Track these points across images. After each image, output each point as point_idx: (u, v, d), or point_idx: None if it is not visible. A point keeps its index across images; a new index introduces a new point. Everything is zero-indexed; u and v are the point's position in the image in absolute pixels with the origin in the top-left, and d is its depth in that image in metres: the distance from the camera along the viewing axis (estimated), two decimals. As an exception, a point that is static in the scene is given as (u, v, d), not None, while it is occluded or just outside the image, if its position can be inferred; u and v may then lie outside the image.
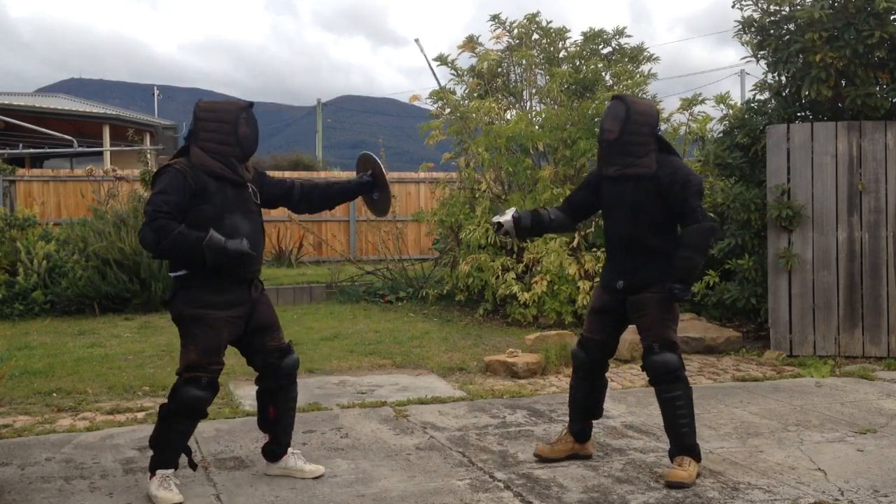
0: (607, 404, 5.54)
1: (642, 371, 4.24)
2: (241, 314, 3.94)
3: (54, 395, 5.91)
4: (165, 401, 3.91)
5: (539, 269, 8.95)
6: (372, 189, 4.40)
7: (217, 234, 3.75)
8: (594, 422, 4.47)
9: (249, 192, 4.02)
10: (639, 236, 4.12)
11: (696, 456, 4.10)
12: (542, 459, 4.33)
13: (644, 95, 10.33)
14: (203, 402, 3.84)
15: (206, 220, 3.79)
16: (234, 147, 3.91)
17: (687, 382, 4.17)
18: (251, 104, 4.03)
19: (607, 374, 4.48)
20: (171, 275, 3.93)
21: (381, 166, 4.39)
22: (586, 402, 4.37)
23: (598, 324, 4.31)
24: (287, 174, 16.82)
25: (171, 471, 3.85)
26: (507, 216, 4.39)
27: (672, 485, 3.96)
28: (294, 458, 4.18)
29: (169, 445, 3.85)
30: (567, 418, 4.48)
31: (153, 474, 3.84)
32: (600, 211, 4.47)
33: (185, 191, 3.79)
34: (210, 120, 3.91)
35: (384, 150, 13.30)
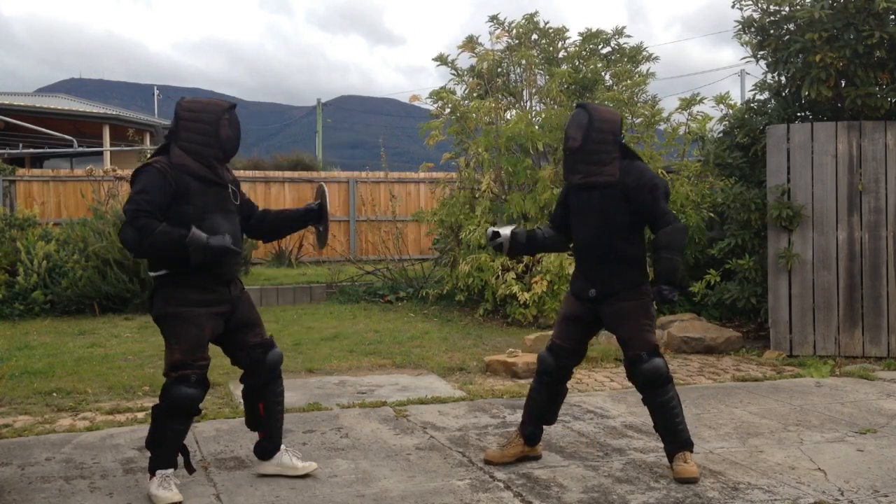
0: (607, 404, 5.56)
1: (630, 380, 4.23)
2: (221, 311, 3.92)
3: (54, 395, 5.91)
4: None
5: (539, 268, 8.95)
6: (317, 219, 4.36)
7: (199, 230, 3.74)
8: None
9: (229, 192, 4.00)
10: (608, 243, 4.15)
11: (692, 447, 4.17)
12: (491, 464, 4.32)
13: (643, 95, 10.36)
14: (194, 399, 3.83)
15: (187, 220, 3.77)
16: (216, 149, 3.88)
17: (673, 380, 4.21)
18: (234, 105, 3.99)
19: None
20: (151, 274, 3.92)
21: (327, 198, 4.36)
22: (545, 408, 4.37)
23: (569, 331, 4.31)
24: (287, 174, 16.85)
25: (170, 470, 3.85)
26: (506, 230, 4.42)
27: (686, 480, 4.00)
28: (287, 455, 4.17)
29: (165, 445, 3.84)
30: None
31: (153, 475, 3.84)
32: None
33: (165, 190, 3.77)
34: (192, 120, 3.86)
35: (384, 150, 13.33)
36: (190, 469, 3.98)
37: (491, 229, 4.49)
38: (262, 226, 4.30)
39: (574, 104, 9.48)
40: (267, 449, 4.17)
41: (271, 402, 4.13)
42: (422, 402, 5.72)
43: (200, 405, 3.94)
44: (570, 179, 4.24)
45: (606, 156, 4.11)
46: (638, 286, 4.16)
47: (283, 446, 4.19)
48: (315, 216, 4.36)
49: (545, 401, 4.36)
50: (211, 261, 3.77)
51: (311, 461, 4.25)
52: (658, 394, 4.12)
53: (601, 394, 5.94)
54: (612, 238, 4.13)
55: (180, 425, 3.86)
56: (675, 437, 4.14)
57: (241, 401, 4.23)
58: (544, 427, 4.43)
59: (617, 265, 4.15)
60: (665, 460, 4.26)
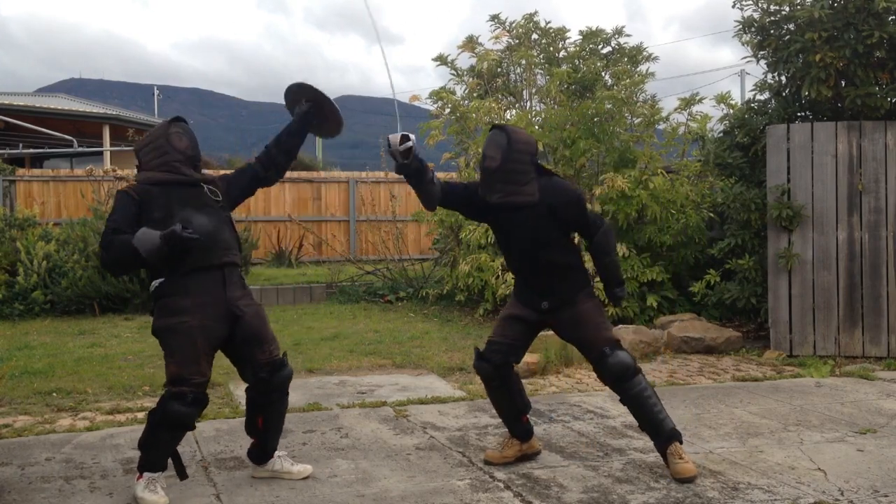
0: (607, 404, 5.56)
1: (601, 379, 4.24)
2: (216, 316, 3.84)
3: (54, 395, 5.91)
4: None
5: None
6: (316, 115, 4.25)
7: (147, 228, 3.74)
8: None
9: (202, 189, 4.00)
10: (548, 257, 4.21)
11: (680, 437, 4.18)
12: (491, 464, 4.32)
13: (643, 95, 10.35)
14: (189, 417, 3.80)
15: (156, 222, 3.79)
16: (173, 153, 3.94)
17: (641, 371, 4.24)
18: (179, 118, 4.08)
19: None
20: (152, 286, 3.92)
21: (312, 85, 4.22)
22: (511, 405, 4.38)
23: (512, 329, 4.31)
24: (287, 174, 16.83)
25: (158, 473, 3.82)
26: (410, 141, 4.03)
27: (684, 480, 4.01)
28: (281, 461, 4.17)
29: (157, 450, 3.82)
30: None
31: (140, 475, 3.82)
32: (484, 227, 4.43)
33: (128, 204, 3.83)
34: (145, 146, 4.00)
35: (384, 150, 13.33)
36: (182, 475, 3.91)
37: (404, 133, 4.06)
38: (276, 164, 4.22)
39: (576, 104, 9.53)
40: (260, 456, 4.17)
41: (272, 417, 4.12)
42: (422, 402, 5.72)
43: (196, 420, 3.91)
44: (489, 198, 4.25)
45: (524, 176, 4.17)
46: (585, 288, 4.26)
47: (276, 453, 4.18)
48: (313, 115, 4.26)
49: (507, 400, 4.38)
50: (169, 251, 3.71)
51: (306, 464, 4.23)
52: (629, 386, 4.14)
53: (601, 394, 5.94)
54: (549, 252, 4.21)
55: (171, 437, 3.84)
56: (660, 430, 4.14)
57: (242, 401, 4.22)
58: (526, 416, 4.42)
59: (560, 274, 4.22)
60: (665, 460, 4.26)
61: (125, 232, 3.75)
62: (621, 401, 4.23)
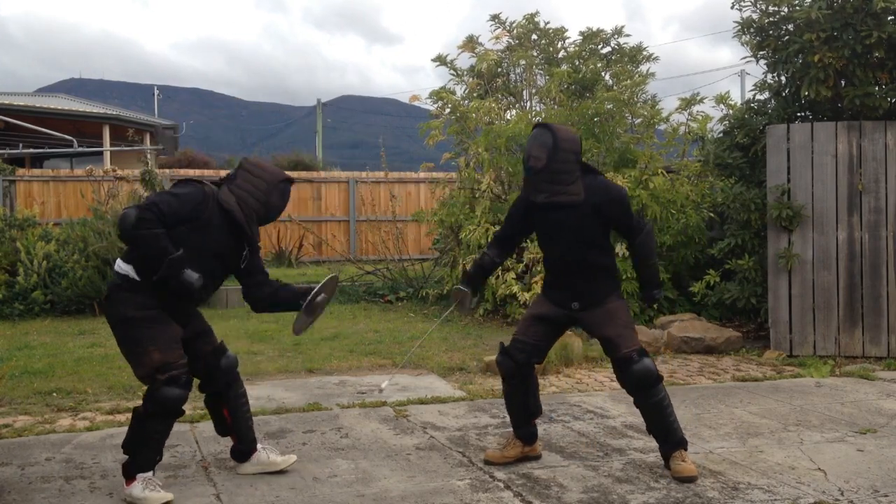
0: (607, 404, 5.56)
1: (620, 382, 4.23)
2: (179, 321, 3.94)
3: (54, 395, 5.92)
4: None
5: (539, 268, 8.95)
6: (307, 307, 4.33)
7: (183, 255, 3.73)
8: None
9: (244, 250, 4.06)
10: (585, 258, 4.20)
11: (686, 445, 4.19)
12: (491, 464, 4.32)
13: (643, 95, 10.36)
14: (183, 400, 3.84)
15: (187, 245, 3.77)
16: (261, 209, 4.00)
17: (663, 378, 4.24)
18: (292, 180, 4.17)
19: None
20: (118, 267, 3.87)
21: (326, 289, 4.36)
22: (524, 406, 4.38)
23: (537, 329, 4.31)
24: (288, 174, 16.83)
25: (150, 473, 3.82)
26: (461, 290, 4.50)
27: (685, 479, 4.01)
28: (265, 453, 4.19)
29: (148, 448, 3.82)
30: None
31: (132, 479, 3.79)
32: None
33: (193, 210, 3.81)
34: (252, 174, 4.02)
35: (384, 150, 13.33)
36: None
37: (455, 287, 4.59)
38: (260, 295, 4.24)
39: (576, 104, 9.54)
40: (242, 451, 4.19)
41: (235, 405, 4.15)
42: (422, 402, 5.72)
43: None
44: (534, 198, 4.25)
45: (570, 175, 4.15)
46: (615, 290, 4.27)
47: (259, 445, 4.21)
48: (312, 306, 4.31)
49: (521, 400, 4.38)
50: (174, 287, 3.75)
51: (290, 454, 4.28)
52: (651, 394, 4.13)
53: (601, 394, 5.94)
54: (588, 252, 4.20)
55: (165, 427, 3.86)
56: (669, 437, 4.15)
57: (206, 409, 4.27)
58: (535, 420, 4.43)
59: (594, 275, 4.22)
60: (665, 460, 4.26)
61: (163, 224, 3.72)
62: (636, 404, 4.22)
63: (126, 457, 3.88)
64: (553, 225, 4.23)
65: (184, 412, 3.94)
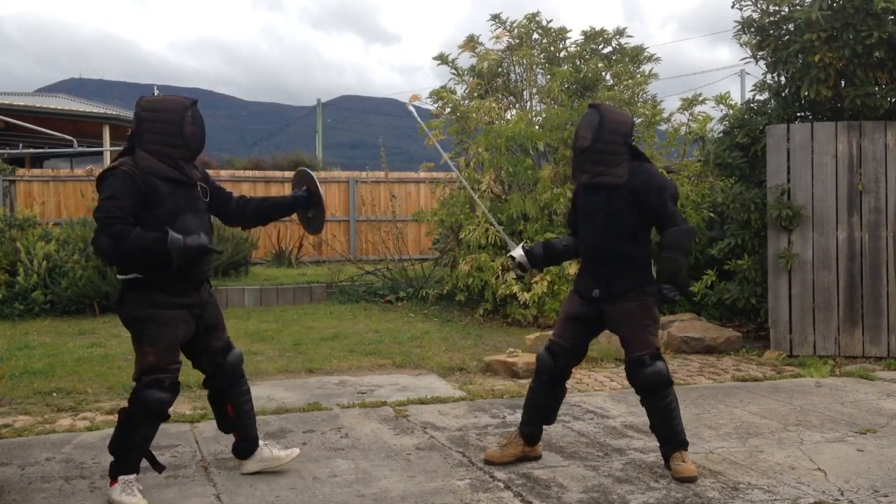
0: (607, 404, 5.56)
1: (630, 382, 4.22)
2: (192, 315, 3.91)
3: (54, 395, 5.92)
4: (125, 405, 3.86)
5: (539, 268, 8.95)
6: (307, 205, 4.36)
7: (174, 232, 3.70)
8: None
9: (198, 191, 3.96)
10: (614, 245, 4.13)
11: (687, 446, 4.19)
12: (491, 464, 4.31)
13: (644, 95, 10.35)
14: (167, 403, 3.81)
15: (158, 223, 3.72)
16: (181, 148, 3.82)
17: (673, 383, 4.21)
18: (195, 101, 3.93)
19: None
20: (120, 277, 3.85)
21: (317, 183, 4.35)
22: (544, 408, 4.37)
23: (570, 330, 4.29)
24: (287, 174, 16.84)
25: (132, 476, 3.79)
26: (517, 249, 4.43)
27: (685, 479, 4.01)
28: (268, 449, 4.19)
29: (132, 450, 3.78)
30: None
31: (114, 480, 3.77)
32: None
33: (135, 194, 3.71)
34: (154, 120, 3.80)
35: (384, 150, 13.33)
36: (159, 468, 3.94)
37: (507, 256, 4.49)
38: (243, 213, 4.26)
39: (576, 104, 9.53)
40: (245, 448, 4.18)
41: (238, 402, 4.14)
42: (422, 402, 5.72)
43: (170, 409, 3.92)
44: (579, 179, 4.23)
45: (615, 157, 4.10)
46: (643, 287, 4.14)
47: (261, 441, 4.20)
48: (303, 202, 4.33)
49: (544, 401, 4.36)
50: (189, 262, 3.74)
51: (292, 448, 4.28)
52: (659, 398, 4.12)
53: (601, 394, 5.94)
54: (618, 239, 4.12)
55: (150, 430, 3.82)
56: (672, 439, 4.15)
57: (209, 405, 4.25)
58: (544, 427, 4.42)
59: (623, 266, 4.13)
60: (665, 460, 4.26)
61: (130, 223, 3.66)
62: (643, 404, 4.20)
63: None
64: (591, 206, 4.18)
65: (168, 416, 3.92)
